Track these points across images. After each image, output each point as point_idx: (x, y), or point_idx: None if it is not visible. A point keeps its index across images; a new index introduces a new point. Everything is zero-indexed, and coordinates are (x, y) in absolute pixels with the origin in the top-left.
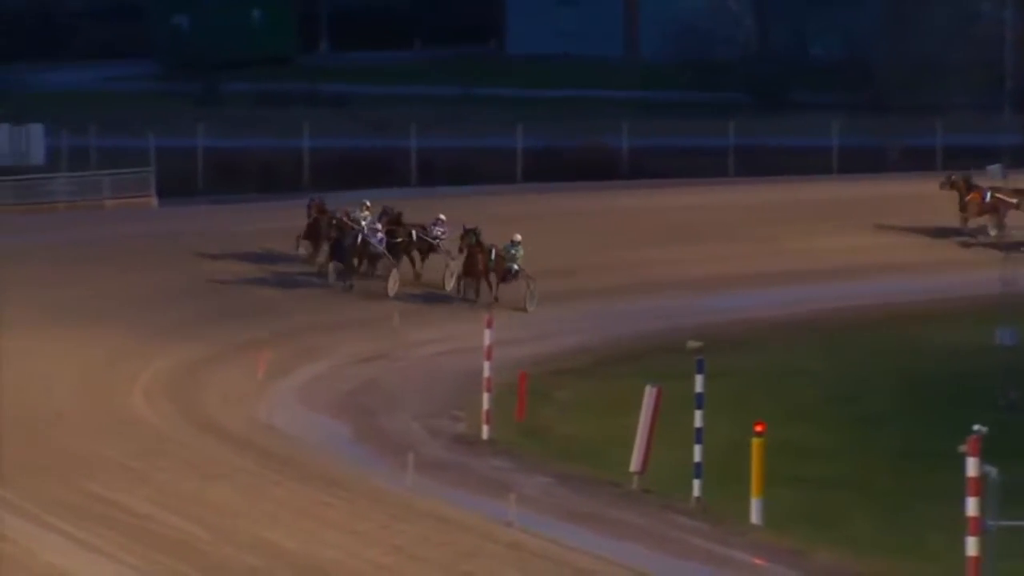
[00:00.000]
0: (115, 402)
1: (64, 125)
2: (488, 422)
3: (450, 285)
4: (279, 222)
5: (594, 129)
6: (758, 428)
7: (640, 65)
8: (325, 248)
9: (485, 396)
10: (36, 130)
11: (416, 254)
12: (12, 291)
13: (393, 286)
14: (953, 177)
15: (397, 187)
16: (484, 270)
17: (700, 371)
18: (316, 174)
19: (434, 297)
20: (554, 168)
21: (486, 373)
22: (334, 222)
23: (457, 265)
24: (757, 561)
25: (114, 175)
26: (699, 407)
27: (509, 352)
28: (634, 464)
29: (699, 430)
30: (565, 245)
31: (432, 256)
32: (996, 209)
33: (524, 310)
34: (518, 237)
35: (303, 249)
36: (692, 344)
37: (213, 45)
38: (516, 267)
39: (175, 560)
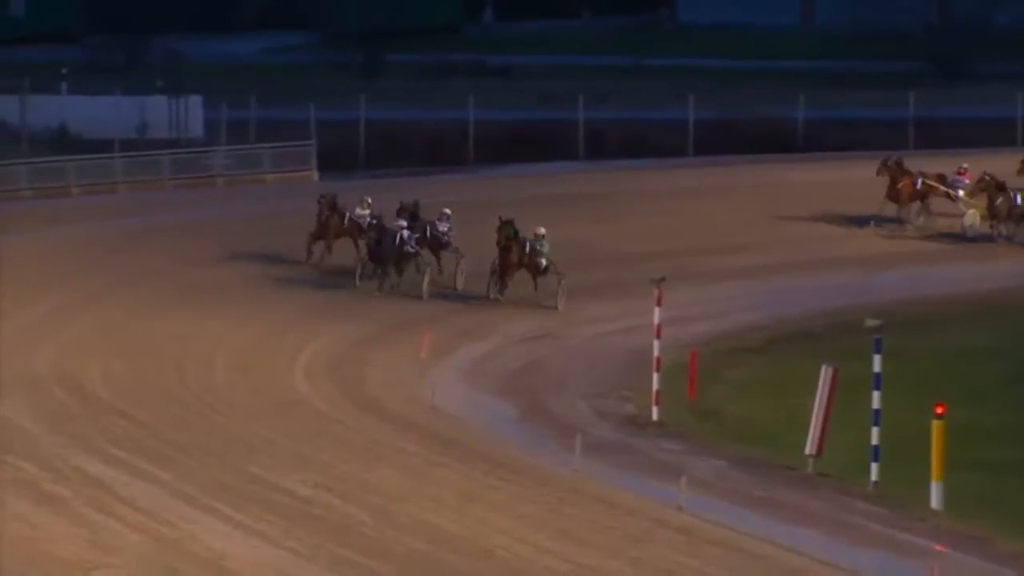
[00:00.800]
0: (275, 383)
1: (223, 97)
2: (658, 403)
3: (461, 283)
4: (442, 196)
5: (769, 100)
6: (939, 410)
7: (816, 34)
8: (363, 249)
9: (655, 376)
10: (195, 103)
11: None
12: (168, 268)
13: (428, 287)
14: (889, 162)
15: (564, 160)
16: (519, 263)
17: (878, 350)
18: (481, 147)
19: (599, 281)
20: (727, 140)
21: (656, 352)
22: (373, 222)
23: (467, 262)
24: (938, 548)
25: (274, 148)
26: (877, 388)
27: (679, 331)
28: (809, 447)
29: (877, 412)
30: (737, 220)
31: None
32: (926, 196)
33: (555, 308)
34: (542, 231)
35: (314, 253)
36: (870, 322)
37: (376, 15)
38: (545, 262)
39: (337, 544)
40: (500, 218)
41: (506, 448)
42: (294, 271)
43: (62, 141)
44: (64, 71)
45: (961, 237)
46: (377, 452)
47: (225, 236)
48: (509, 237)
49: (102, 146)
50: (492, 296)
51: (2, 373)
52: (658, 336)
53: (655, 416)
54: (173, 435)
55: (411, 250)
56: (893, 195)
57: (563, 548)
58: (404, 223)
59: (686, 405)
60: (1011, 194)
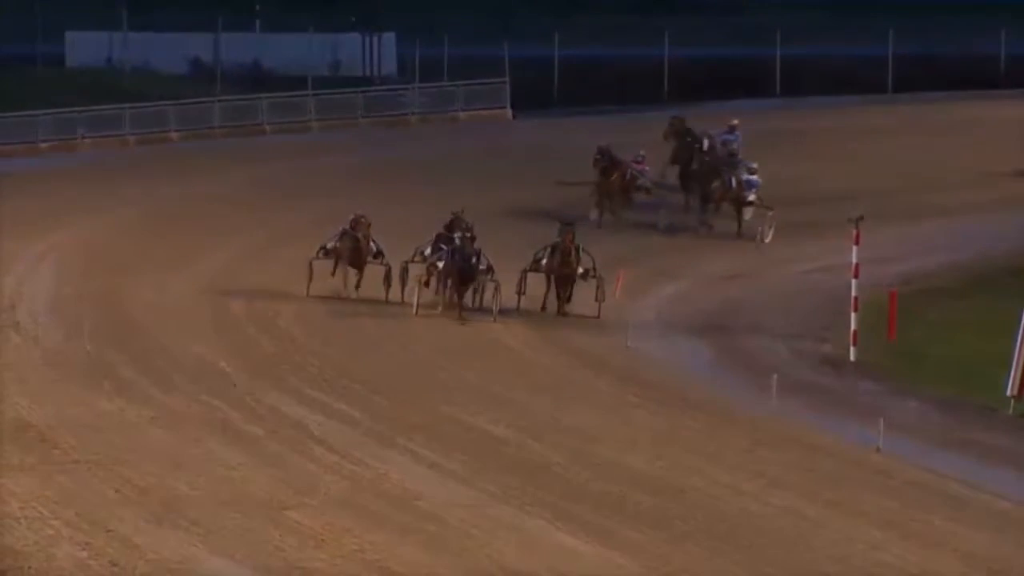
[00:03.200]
0: (470, 322)
1: (416, 35)
2: (856, 343)
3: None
4: (637, 135)
5: (972, 36)
6: None
7: None
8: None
9: (852, 316)
10: (388, 40)
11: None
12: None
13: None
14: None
15: (761, 98)
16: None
17: None
18: (676, 85)
19: (797, 221)
20: (927, 77)
21: (854, 292)
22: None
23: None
24: None
25: (468, 86)
26: None
27: (878, 270)
28: (1011, 388)
29: None
30: (939, 158)
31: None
32: None
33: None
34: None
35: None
36: None
37: None
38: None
39: (530, 484)
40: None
41: (701, 389)
42: (490, 210)
43: (255, 79)
44: (257, 8)
45: None
46: (571, 392)
47: (417, 176)
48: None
49: (295, 84)
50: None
51: (197, 312)
52: (856, 276)
53: (852, 357)
54: (366, 375)
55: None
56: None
57: (758, 490)
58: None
59: (885, 346)
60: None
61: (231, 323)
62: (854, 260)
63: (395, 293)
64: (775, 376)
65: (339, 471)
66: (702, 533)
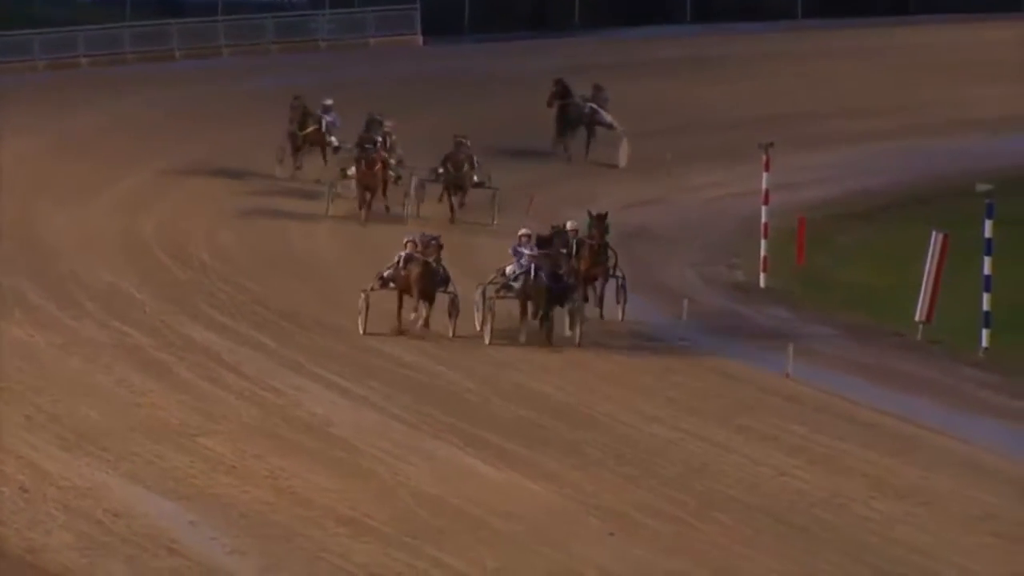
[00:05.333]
0: (384, 252)
1: None
2: (766, 269)
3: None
4: (548, 61)
5: None
6: None
7: None
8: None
9: (762, 242)
10: None
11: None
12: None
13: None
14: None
15: (673, 24)
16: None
17: (990, 216)
18: (587, 11)
19: (710, 147)
20: (838, 3)
21: (764, 218)
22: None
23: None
24: None
25: (378, 11)
26: (988, 253)
27: (789, 197)
28: (919, 313)
29: (988, 278)
30: (849, 86)
31: None
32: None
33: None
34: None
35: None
36: (981, 187)
37: None
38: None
39: (441, 411)
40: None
41: (614, 315)
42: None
43: (165, 4)
44: None
45: None
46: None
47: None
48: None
49: (206, 9)
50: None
51: (108, 239)
52: (766, 202)
53: (762, 283)
54: (278, 302)
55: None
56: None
57: (670, 416)
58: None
59: (794, 272)
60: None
61: (141, 250)
62: (764, 186)
63: (462, 324)
64: (686, 302)
65: (250, 398)
66: (613, 459)
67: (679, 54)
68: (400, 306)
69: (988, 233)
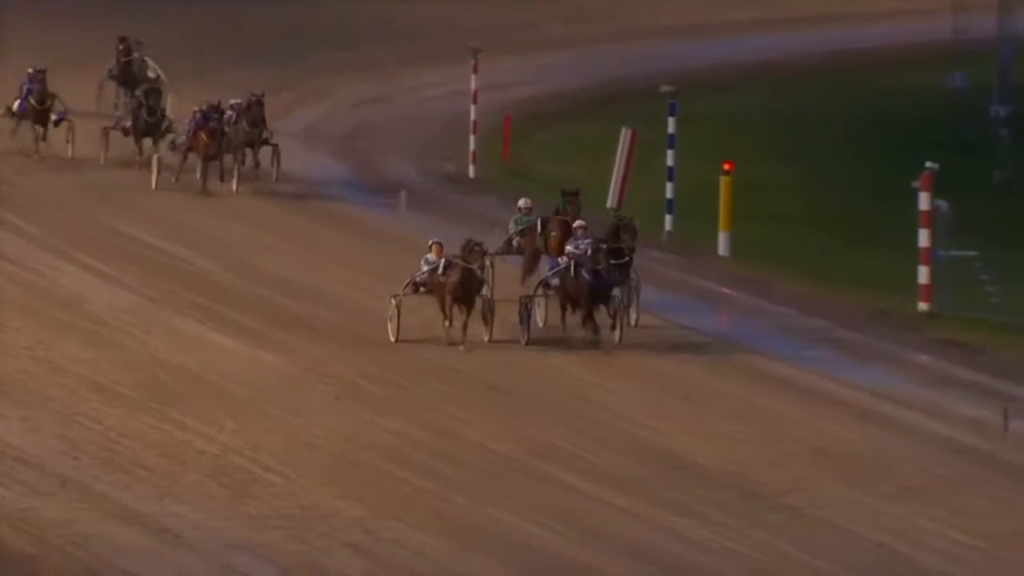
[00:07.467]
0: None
1: None
2: (475, 162)
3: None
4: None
5: None
6: (726, 167)
7: None
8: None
9: (471, 138)
10: None
11: None
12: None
13: None
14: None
15: None
16: None
17: (672, 114)
18: None
19: (428, 50)
20: None
21: (472, 116)
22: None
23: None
24: (726, 291)
25: None
26: (671, 147)
27: (496, 97)
28: (610, 200)
29: (671, 169)
30: None
31: None
32: None
33: None
34: None
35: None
36: (665, 88)
37: None
38: None
39: (186, 289)
40: None
41: (342, 204)
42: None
43: None
44: None
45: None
46: (228, 210)
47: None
48: None
49: None
50: None
51: None
52: (475, 101)
53: (472, 174)
54: (42, 194)
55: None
56: None
57: (384, 288)
58: None
59: (500, 165)
60: None
61: None
62: (472, 87)
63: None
64: (403, 192)
65: (13, 278)
66: (338, 330)
67: None
68: (449, 318)
69: (671, 129)
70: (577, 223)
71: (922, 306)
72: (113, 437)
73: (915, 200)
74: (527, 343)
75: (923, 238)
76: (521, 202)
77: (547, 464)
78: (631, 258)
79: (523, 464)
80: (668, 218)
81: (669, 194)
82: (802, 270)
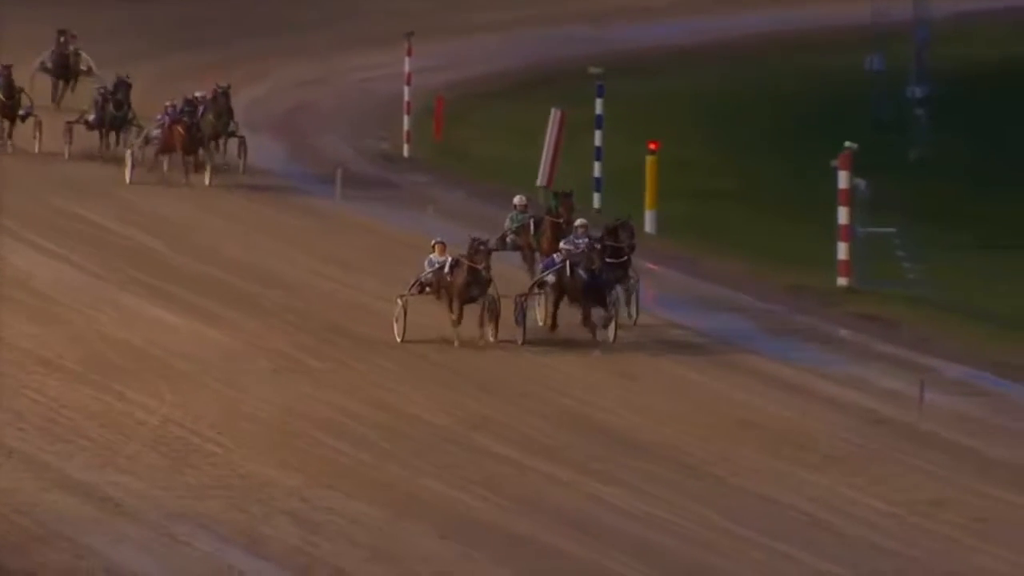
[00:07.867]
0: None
1: None
2: (409, 141)
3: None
4: None
5: None
6: (652, 146)
7: None
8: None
9: (405, 118)
10: None
11: None
12: None
13: None
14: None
15: None
16: None
17: (600, 95)
18: None
19: (363, 34)
20: None
21: (406, 97)
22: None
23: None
24: (651, 266)
25: None
26: (599, 127)
27: (430, 78)
28: (541, 179)
29: (599, 148)
30: None
31: None
32: None
33: None
34: None
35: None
36: (593, 70)
37: None
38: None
39: (132, 267)
40: None
41: (280, 183)
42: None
43: None
44: None
45: None
46: (162, 187)
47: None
48: None
49: None
50: None
51: None
52: (408, 83)
53: (406, 153)
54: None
55: None
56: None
57: (330, 269)
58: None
59: (433, 145)
60: None
61: None
62: (407, 69)
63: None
64: (340, 170)
65: None
66: (281, 307)
67: None
68: (457, 317)
69: (599, 110)
70: (579, 221)
71: (841, 281)
72: (56, 408)
73: (835, 179)
74: (523, 343)
75: (842, 215)
76: (516, 200)
77: (481, 435)
78: (629, 257)
79: (458, 435)
80: (596, 196)
81: (597, 173)
82: (726, 247)
